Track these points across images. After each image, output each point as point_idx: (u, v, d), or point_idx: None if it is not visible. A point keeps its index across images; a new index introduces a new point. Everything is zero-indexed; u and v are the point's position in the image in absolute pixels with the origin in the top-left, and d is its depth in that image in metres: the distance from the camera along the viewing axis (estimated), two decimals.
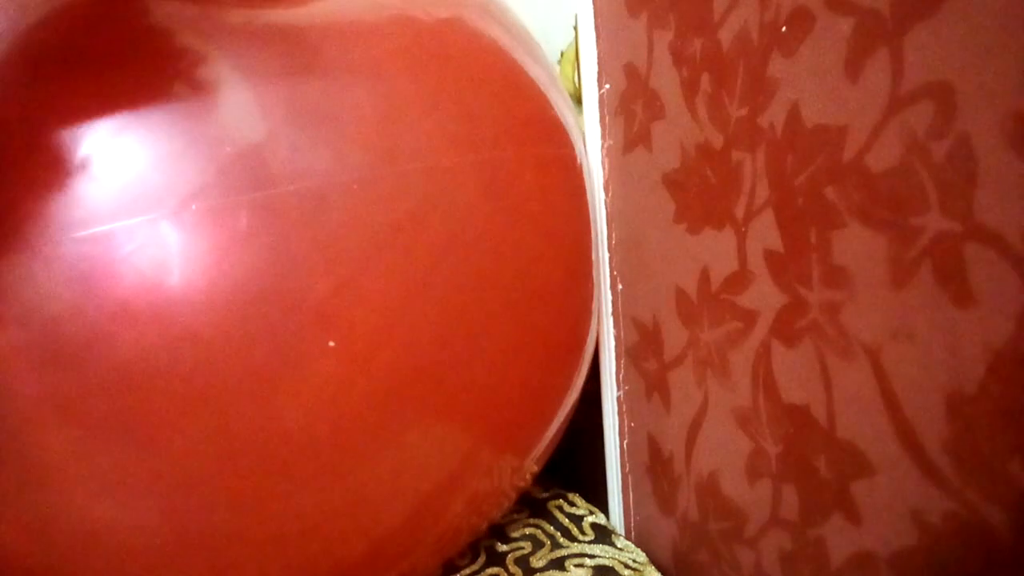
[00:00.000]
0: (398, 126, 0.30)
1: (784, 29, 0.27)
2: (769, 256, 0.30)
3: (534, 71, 0.38)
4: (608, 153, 0.42)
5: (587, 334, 0.40)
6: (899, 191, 0.23)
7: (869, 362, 0.26)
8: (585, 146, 0.43)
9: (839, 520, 0.28)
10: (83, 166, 0.25)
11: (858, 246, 0.25)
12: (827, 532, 0.29)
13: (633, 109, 0.39)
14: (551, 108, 0.38)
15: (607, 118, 0.42)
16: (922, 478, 0.24)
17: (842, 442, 0.27)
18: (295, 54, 0.29)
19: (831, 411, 0.28)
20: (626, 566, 0.40)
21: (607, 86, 0.41)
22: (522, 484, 0.40)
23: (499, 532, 0.45)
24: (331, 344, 0.27)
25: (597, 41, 0.41)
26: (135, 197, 0.25)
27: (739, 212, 0.31)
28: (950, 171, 0.22)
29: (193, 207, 0.25)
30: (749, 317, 0.32)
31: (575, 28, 0.43)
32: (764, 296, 0.31)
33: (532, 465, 0.40)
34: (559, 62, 0.52)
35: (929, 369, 0.23)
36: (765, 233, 0.30)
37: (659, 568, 0.41)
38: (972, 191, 0.21)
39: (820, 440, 0.28)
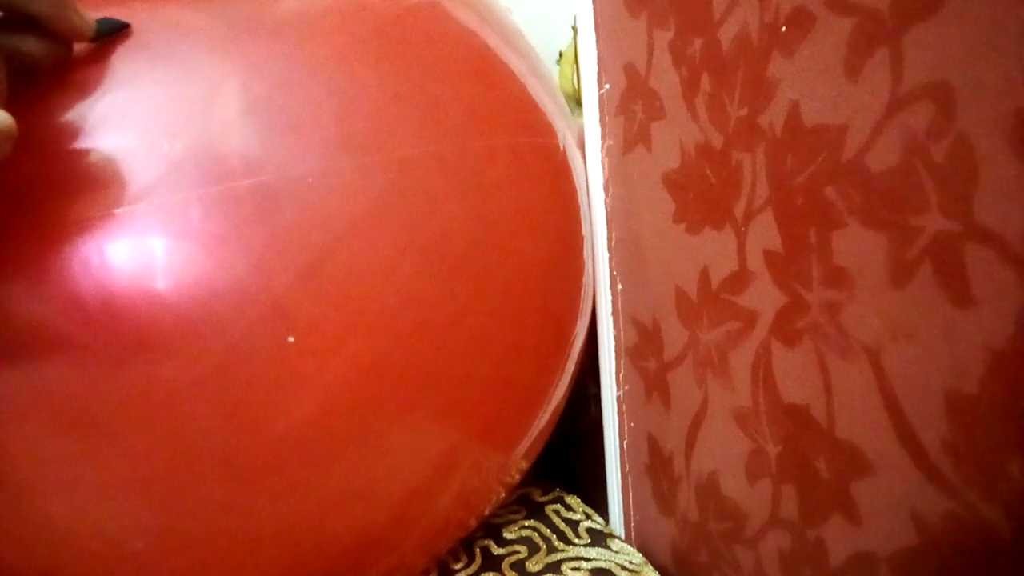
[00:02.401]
0: (357, 117, 0.29)
1: (784, 29, 0.27)
2: (769, 256, 0.30)
3: (510, 59, 0.37)
4: (608, 153, 0.42)
5: (574, 327, 0.40)
6: (899, 191, 0.24)
7: (869, 362, 0.26)
8: (583, 140, 0.43)
9: (839, 520, 0.28)
10: (29, 165, 0.25)
11: (858, 246, 0.25)
12: (827, 532, 0.29)
13: (633, 109, 0.39)
14: (529, 97, 0.37)
15: (607, 118, 0.42)
16: (922, 478, 0.24)
17: (842, 442, 0.27)
18: (250, 44, 0.29)
19: (831, 411, 0.28)
20: (623, 568, 0.40)
21: (607, 86, 0.41)
22: (510, 480, 0.40)
23: (495, 533, 0.44)
24: (290, 339, 0.27)
25: (597, 41, 0.41)
26: (84, 195, 0.25)
27: (739, 212, 0.31)
28: (950, 171, 0.22)
29: (144, 203, 0.25)
30: (749, 317, 0.32)
31: (574, 28, 0.43)
32: (764, 296, 0.31)
33: (520, 461, 0.39)
34: (558, 62, 0.52)
35: (929, 369, 0.23)
36: (765, 233, 0.30)
37: (658, 568, 0.41)
38: (972, 191, 0.21)
39: (820, 440, 0.28)
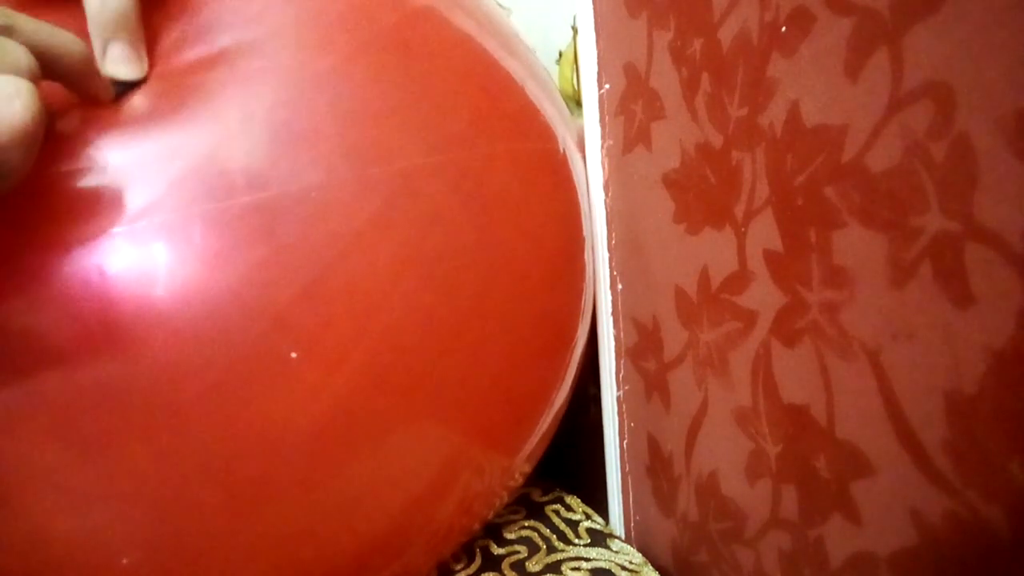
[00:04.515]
0: (359, 129, 0.29)
1: (784, 29, 0.27)
2: (769, 256, 0.30)
3: (509, 63, 0.37)
4: (608, 153, 0.42)
5: (575, 331, 0.40)
6: (899, 191, 0.24)
7: (869, 362, 0.26)
8: (583, 141, 0.43)
9: (839, 520, 0.28)
10: (28, 184, 0.25)
11: (858, 246, 0.25)
12: (827, 532, 0.29)
13: (633, 109, 0.39)
14: (528, 101, 0.37)
15: (607, 118, 0.42)
16: (922, 478, 0.24)
17: (842, 442, 0.27)
18: (251, 57, 0.29)
19: (831, 411, 0.28)
20: (623, 568, 0.40)
21: (607, 86, 0.41)
22: (513, 484, 0.40)
23: (495, 533, 0.44)
24: (293, 355, 0.27)
25: (596, 41, 0.41)
26: (85, 214, 0.25)
27: (739, 212, 0.31)
28: (950, 171, 0.22)
29: (145, 221, 0.25)
30: (749, 317, 0.32)
31: (574, 28, 0.43)
32: (764, 296, 0.31)
33: (523, 465, 0.39)
34: (558, 62, 0.52)
35: (929, 369, 0.23)
36: (765, 233, 0.30)
37: (658, 568, 0.41)
38: (972, 191, 0.21)
39: (820, 440, 0.28)
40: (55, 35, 0.24)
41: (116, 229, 0.25)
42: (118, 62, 0.27)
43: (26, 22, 0.23)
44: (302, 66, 0.29)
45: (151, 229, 0.25)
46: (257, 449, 0.27)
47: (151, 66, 0.28)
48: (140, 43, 0.28)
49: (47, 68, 0.24)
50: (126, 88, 0.28)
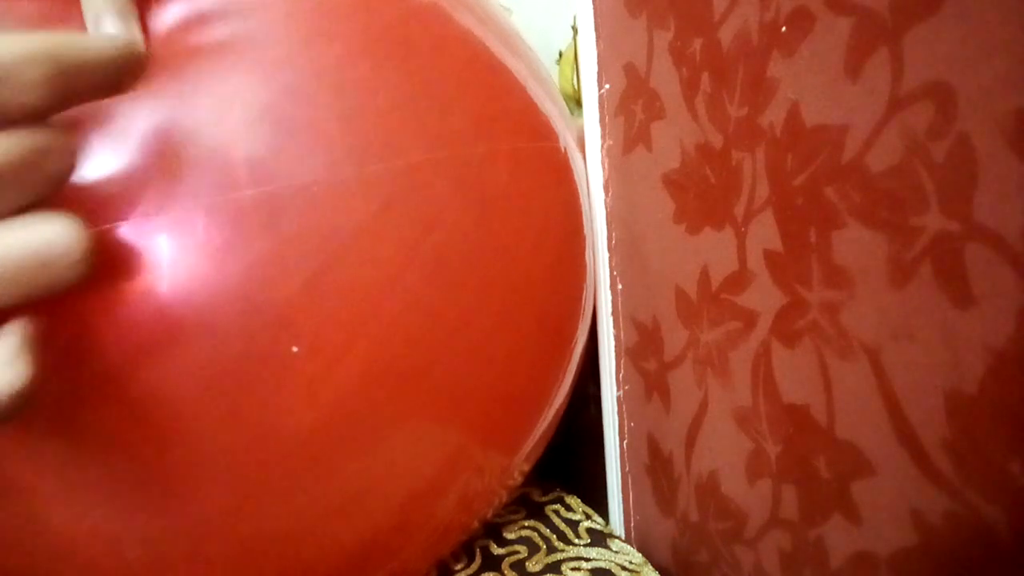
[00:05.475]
0: (362, 125, 0.29)
1: (784, 29, 0.27)
2: (769, 256, 0.30)
3: (510, 62, 0.37)
4: (608, 153, 0.42)
5: (575, 331, 0.40)
6: (899, 191, 0.24)
7: (869, 362, 0.26)
8: (583, 141, 0.43)
9: (839, 520, 0.28)
10: None
11: (858, 246, 0.25)
12: (827, 532, 0.29)
13: (633, 109, 0.39)
14: (529, 99, 0.37)
15: (607, 118, 0.42)
16: (922, 478, 0.24)
17: (842, 442, 0.27)
18: (255, 52, 0.29)
19: (831, 411, 0.28)
20: (623, 568, 0.40)
21: (607, 86, 0.41)
22: (512, 483, 0.40)
23: (495, 533, 0.44)
24: (294, 349, 0.27)
25: (596, 41, 0.41)
26: (88, 209, 0.25)
27: (739, 212, 0.31)
28: (950, 171, 0.22)
29: (149, 215, 0.25)
30: (749, 317, 0.32)
31: (574, 28, 0.43)
32: (764, 296, 0.31)
33: (522, 464, 0.39)
34: (558, 62, 0.52)
35: (929, 369, 0.23)
36: (765, 233, 0.30)
37: (658, 568, 0.41)
38: (972, 191, 0.21)
39: (820, 440, 0.28)
40: (89, 48, 0.21)
41: (119, 222, 0.25)
42: None
43: (74, 51, 0.20)
44: (305, 60, 0.29)
45: (155, 223, 0.25)
46: (257, 443, 0.27)
47: (152, 50, 0.28)
48: (132, 17, 0.27)
49: (87, 92, 0.22)
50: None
